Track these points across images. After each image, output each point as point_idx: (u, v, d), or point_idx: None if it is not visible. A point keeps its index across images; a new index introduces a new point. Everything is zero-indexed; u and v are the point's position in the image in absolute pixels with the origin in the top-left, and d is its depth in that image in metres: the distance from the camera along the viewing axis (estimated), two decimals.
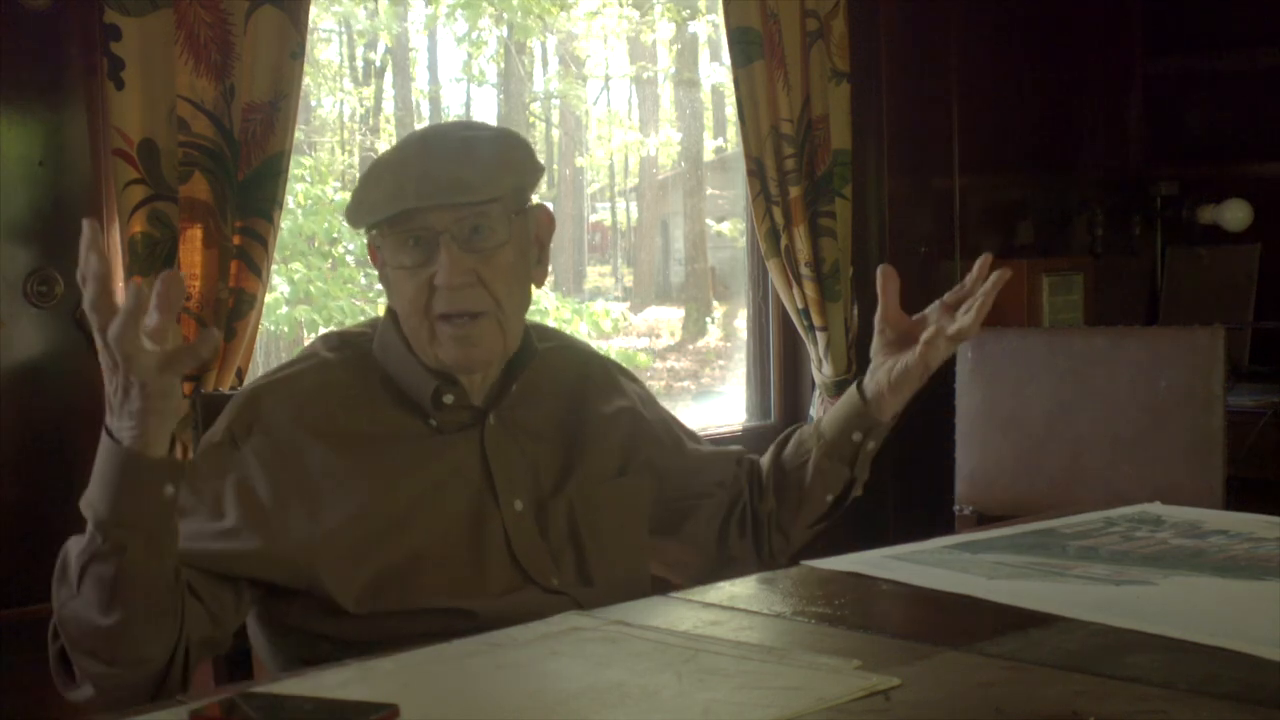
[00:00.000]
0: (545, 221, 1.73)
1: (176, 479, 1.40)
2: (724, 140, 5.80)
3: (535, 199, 1.73)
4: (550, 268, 1.76)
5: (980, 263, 1.78)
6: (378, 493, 1.61)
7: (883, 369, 1.82)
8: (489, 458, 1.69)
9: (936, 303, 1.80)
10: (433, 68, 5.93)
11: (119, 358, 1.32)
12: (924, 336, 1.77)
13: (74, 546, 1.42)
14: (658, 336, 6.32)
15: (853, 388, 1.86)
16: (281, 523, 1.57)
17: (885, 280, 1.81)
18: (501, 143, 1.69)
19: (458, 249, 1.61)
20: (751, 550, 1.91)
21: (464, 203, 1.61)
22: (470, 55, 5.59)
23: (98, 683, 1.43)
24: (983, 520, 3.03)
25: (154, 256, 2.29)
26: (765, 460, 1.94)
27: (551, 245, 1.76)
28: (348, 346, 1.72)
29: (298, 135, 2.51)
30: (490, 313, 1.64)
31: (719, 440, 3.32)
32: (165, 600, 1.43)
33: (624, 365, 1.96)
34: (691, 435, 1.95)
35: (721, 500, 1.90)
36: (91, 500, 1.38)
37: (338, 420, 1.64)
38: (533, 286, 1.72)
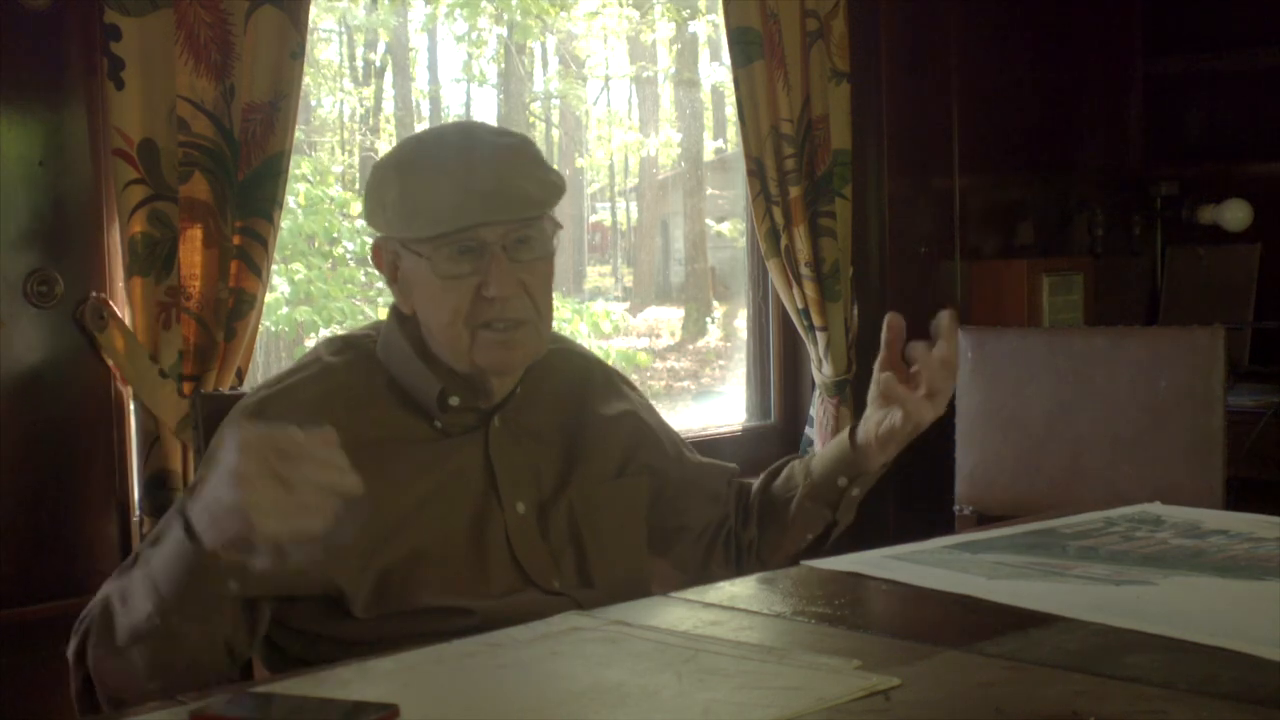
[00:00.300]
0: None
1: (242, 577, 1.41)
2: (724, 140, 5.80)
3: None
4: None
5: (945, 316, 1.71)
6: (383, 496, 1.60)
7: (873, 420, 1.78)
8: (493, 460, 1.69)
9: (934, 357, 1.72)
10: (433, 68, 5.93)
11: (258, 539, 1.32)
12: (901, 398, 1.72)
13: (122, 612, 1.44)
14: (658, 336, 6.31)
15: (844, 432, 1.84)
16: None
17: (889, 331, 1.76)
18: (531, 150, 1.69)
19: (506, 260, 1.62)
20: (733, 575, 1.90)
21: (526, 217, 1.62)
22: (470, 55, 5.58)
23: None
24: (983, 520, 3.02)
25: (154, 256, 2.29)
26: (755, 488, 1.93)
27: None
28: (350, 349, 1.72)
29: (298, 135, 2.51)
30: (531, 320, 1.66)
31: (718, 442, 3.34)
32: (208, 665, 1.46)
33: (624, 369, 1.95)
34: (689, 447, 1.95)
35: (711, 518, 1.90)
36: (156, 580, 1.41)
37: (341, 425, 1.63)
38: None
